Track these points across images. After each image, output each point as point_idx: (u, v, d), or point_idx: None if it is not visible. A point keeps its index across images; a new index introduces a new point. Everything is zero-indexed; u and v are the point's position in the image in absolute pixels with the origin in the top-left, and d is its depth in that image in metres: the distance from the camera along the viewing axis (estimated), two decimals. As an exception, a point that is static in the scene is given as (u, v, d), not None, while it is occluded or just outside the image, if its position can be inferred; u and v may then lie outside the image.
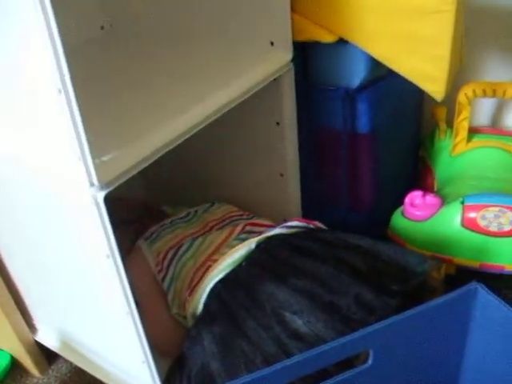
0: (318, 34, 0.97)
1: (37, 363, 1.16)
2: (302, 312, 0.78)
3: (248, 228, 1.04)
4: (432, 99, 1.01)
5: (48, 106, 0.64)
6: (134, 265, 0.99)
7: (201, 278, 0.91)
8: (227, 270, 0.89)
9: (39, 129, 0.69)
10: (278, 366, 0.61)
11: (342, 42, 0.97)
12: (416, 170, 1.41)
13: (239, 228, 1.04)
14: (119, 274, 0.75)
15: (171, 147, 0.75)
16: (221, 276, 0.89)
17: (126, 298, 0.78)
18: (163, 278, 1.00)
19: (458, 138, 1.28)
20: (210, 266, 0.92)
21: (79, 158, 0.65)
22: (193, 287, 0.92)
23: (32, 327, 1.13)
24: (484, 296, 0.67)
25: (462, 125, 1.26)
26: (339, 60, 1.00)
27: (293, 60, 0.97)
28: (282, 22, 0.94)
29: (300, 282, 0.82)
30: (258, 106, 1.01)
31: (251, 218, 1.09)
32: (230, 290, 0.87)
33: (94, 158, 0.65)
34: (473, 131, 1.30)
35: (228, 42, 0.92)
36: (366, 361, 0.69)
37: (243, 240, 0.96)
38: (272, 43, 0.97)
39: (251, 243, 0.92)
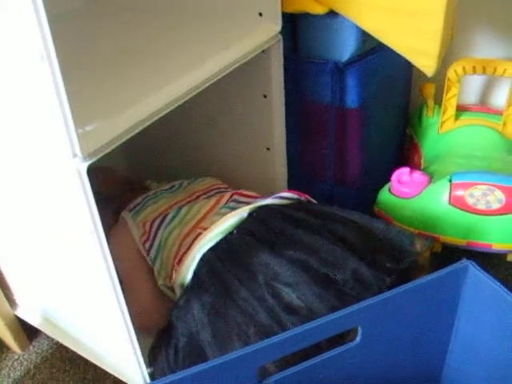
0: (309, 5, 0.94)
1: (17, 339, 1.14)
2: (297, 284, 0.77)
3: (235, 197, 1.02)
4: (421, 75, 0.99)
5: (30, 73, 0.61)
6: (118, 237, 0.97)
7: (190, 247, 0.88)
8: (218, 239, 0.86)
9: (20, 97, 0.66)
10: (271, 340, 0.60)
11: (332, 14, 0.95)
12: (403, 148, 1.40)
13: (226, 197, 1.01)
14: (102, 250, 0.73)
15: (156, 118, 0.73)
16: (211, 244, 0.86)
17: (109, 274, 0.76)
18: (149, 248, 0.97)
19: (446, 116, 1.27)
20: (199, 234, 0.89)
21: (62, 128, 0.62)
22: (181, 255, 0.89)
23: (12, 302, 1.11)
24: (475, 273, 0.66)
25: (451, 102, 1.25)
26: (329, 33, 0.98)
27: (281, 32, 0.95)
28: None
29: (295, 253, 0.80)
30: (245, 78, 0.99)
31: (238, 190, 1.06)
32: (221, 259, 0.84)
33: (77, 127, 0.62)
34: (461, 109, 1.28)
35: (216, 11, 0.89)
36: (354, 338, 0.68)
37: (232, 209, 0.94)
38: (260, 14, 0.94)
39: (243, 211, 0.89)
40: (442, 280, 0.67)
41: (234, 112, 1.07)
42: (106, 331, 0.93)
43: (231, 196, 1.02)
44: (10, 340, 1.14)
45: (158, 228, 0.98)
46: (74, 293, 0.92)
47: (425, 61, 0.95)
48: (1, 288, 1.08)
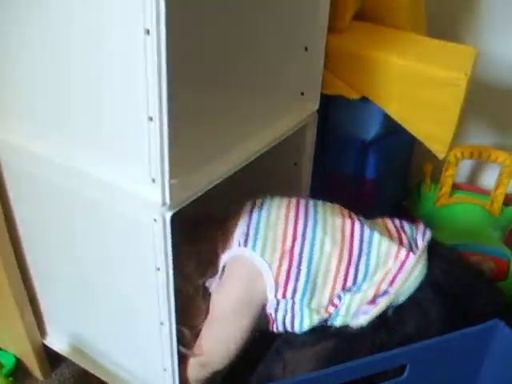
0: (346, 90, 1.10)
1: (42, 367, 1.20)
2: None
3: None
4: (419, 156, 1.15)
5: (135, 131, 0.73)
6: (240, 278, 0.93)
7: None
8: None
9: (117, 149, 0.78)
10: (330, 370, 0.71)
11: (364, 99, 1.10)
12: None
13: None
14: (168, 286, 0.84)
15: (231, 172, 0.87)
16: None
17: (169, 308, 0.86)
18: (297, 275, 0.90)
19: (442, 192, 1.43)
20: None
21: (155, 179, 0.75)
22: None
23: (42, 331, 1.19)
24: (504, 332, 0.79)
25: (447, 180, 1.42)
26: (359, 114, 1.13)
27: (317, 110, 1.10)
28: (314, 75, 1.07)
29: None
30: (280, 147, 1.12)
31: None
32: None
33: (170, 179, 0.75)
34: (456, 187, 1.46)
35: (271, 90, 1.03)
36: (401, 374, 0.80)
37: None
38: (302, 93, 1.09)
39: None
40: (472, 335, 0.80)
41: (269, 177, 1.17)
42: (143, 362, 1.02)
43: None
44: (34, 367, 1.20)
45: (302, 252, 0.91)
46: (116, 324, 1.02)
47: (438, 146, 1.11)
48: (34, 316, 1.16)
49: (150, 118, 0.71)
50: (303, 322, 0.91)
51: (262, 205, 0.97)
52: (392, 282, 0.87)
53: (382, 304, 0.87)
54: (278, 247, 0.90)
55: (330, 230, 0.91)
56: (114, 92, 0.73)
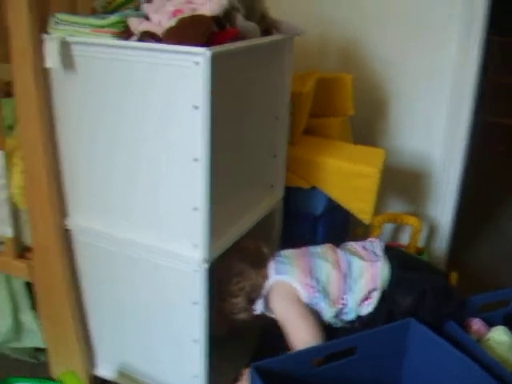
0: (301, 182, 1.67)
1: (92, 394, 1.63)
2: None
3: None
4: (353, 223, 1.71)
5: (183, 220, 1.25)
6: (284, 298, 1.41)
7: None
8: None
9: (171, 228, 1.29)
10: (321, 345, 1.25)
11: (313, 187, 1.67)
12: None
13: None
14: (202, 315, 1.33)
15: (237, 238, 1.40)
16: None
17: (204, 327, 1.35)
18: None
19: (372, 248, 1.99)
20: None
21: (197, 245, 1.26)
22: None
23: (93, 364, 1.62)
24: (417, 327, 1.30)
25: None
26: (310, 198, 1.69)
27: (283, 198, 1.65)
28: (280, 174, 1.62)
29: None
30: (257, 224, 1.65)
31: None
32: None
33: (211, 243, 1.27)
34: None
35: (253, 184, 1.57)
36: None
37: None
38: (272, 186, 1.64)
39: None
40: (392, 330, 1.31)
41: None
42: (175, 374, 1.49)
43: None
44: (87, 395, 1.63)
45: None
46: (156, 347, 1.48)
47: (364, 215, 1.67)
48: (87, 356, 1.60)
49: (195, 208, 1.23)
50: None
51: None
52: (375, 281, 1.39)
53: (376, 296, 1.39)
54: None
55: (330, 259, 1.46)
56: (170, 190, 1.25)
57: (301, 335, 1.35)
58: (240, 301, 1.45)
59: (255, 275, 1.45)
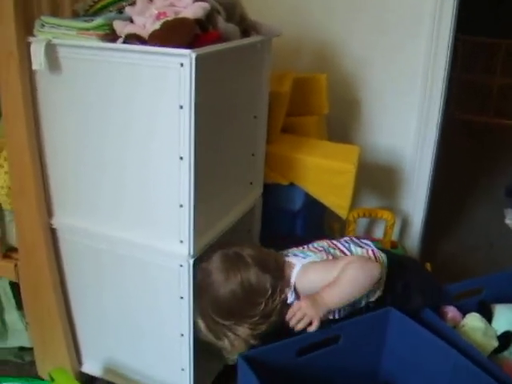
0: (279, 179, 1.72)
1: (79, 391, 1.66)
2: None
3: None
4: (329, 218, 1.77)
5: (169, 217, 1.29)
6: None
7: None
8: None
9: (158, 225, 1.33)
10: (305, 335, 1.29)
11: (291, 184, 1.72)
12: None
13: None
14: (189, 309, 1.37)
15: (221, 234, 1.45)
16: None
17: (189, 326, 1.39)
18: None
19: (348, 242, 2.05)
20: None
21: (183, 241, 1.30)
22: None
23: (80, 361, 1.64)
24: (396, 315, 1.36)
25: (350, 234, 2.04)
26: (289, 194, 1.74)
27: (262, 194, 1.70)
28: (258, 171, 1.67)
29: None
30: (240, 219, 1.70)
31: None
32: None
33: (193, 240, 1.31)
34: (356, 238, 2.08)
35: (235, 183, 1.61)
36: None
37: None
38: (251, 183, 1.68)
39: None
40: (374, 318, 1.37)
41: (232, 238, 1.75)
42: (162, 368, 1.52)
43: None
44: (73, 391, 1.66)
45: None
46: (143, 344, 1.51)
47: (341, 210, 1.73)
48: (74, 353, 1.63)
49: (181, 205, 1.27)
50: None
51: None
52: None
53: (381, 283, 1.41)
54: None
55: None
56: (157, 188, 1.28)
57: (366, 273, 1.34)
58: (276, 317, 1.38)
59: (280, 285, 1.37)
